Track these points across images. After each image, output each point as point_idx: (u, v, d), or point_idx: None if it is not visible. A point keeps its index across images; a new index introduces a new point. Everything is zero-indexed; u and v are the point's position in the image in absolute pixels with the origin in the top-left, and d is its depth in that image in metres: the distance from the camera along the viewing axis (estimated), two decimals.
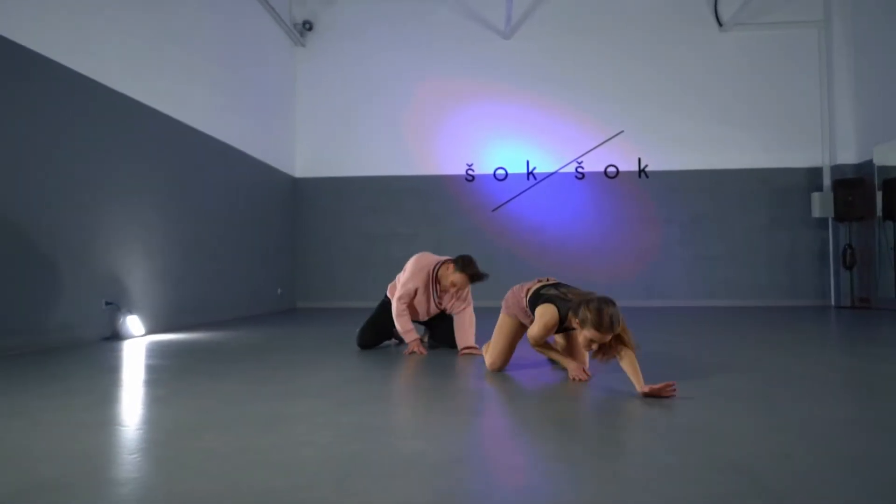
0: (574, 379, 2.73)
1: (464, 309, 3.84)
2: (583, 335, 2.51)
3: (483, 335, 3.76)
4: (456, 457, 1.65)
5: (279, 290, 8.13)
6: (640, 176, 8.58)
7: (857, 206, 7.69)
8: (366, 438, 1.84)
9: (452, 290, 3.70)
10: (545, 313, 2.72)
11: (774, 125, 8.44)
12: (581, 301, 2.55)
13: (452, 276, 3.66)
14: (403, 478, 1.49)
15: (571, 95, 8.66)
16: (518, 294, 3.04)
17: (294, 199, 8.82)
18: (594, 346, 2.50)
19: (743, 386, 2.60)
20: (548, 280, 2.99)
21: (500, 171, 8.73)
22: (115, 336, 4.65)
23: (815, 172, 8.36)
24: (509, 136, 8.72)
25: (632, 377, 2.43)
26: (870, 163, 7.71)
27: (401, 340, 4.16)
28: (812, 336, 4.72)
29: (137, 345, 4.30)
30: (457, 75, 8.78)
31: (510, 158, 8.72)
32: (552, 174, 8.68)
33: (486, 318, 4.06)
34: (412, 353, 3.70)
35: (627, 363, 2.47)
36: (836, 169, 8.23)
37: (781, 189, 8.39)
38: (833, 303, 8.18)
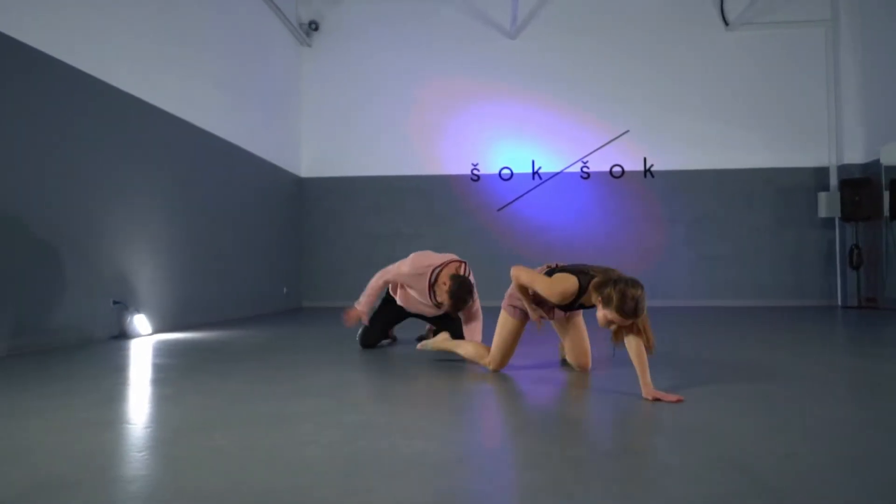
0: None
1: (471, 306, 3.86)
2: (603, 313, 2.43)
3: (490, 333, 3.77)
4: (458, 456, 1.67)
5: (285, 290, 8.17)
6: (645, 176, 8.57)
7: (864, 206, 7.66)
8: (369, 437, 1.85)
9: (447, 302, 3.67)
10: (565, 280, 2.59)
11: (781, 125, 8.41)
12: (608, 280, 2.44)
13: (444, 295, 3.60)
14: (406, 477, 1.51)
15: (577, 95, 8.65)
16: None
17: (300, 198, 8.86)
18: (612, 328, 2.45)
19: (745, 386, 2.60)
20: (556, 265, 2.87)
21: (506, 171, 8.74)
22: (123, 335, 4.69)
23: (822, 172, 8.33)
24: (515, 136, 8.73)
25: (640, 377, 2.41)
26: (877, 162, 7.67)
27: (394, 339, 4.22)
28: (816, 336, 4.71)
29: (145, 344, 4.34)
30: (462, 75, 8.80)
31: (515, 158, 8.72)
32: (557, 174, 8.68)
33: (492, 318, 4.07)
34: (348, 319, 3.93)
35: (637, 361, 2.43)
36: (842, 168, 8.20)
37: (787, 189, 8.37)
38: (840, 303, 8.15)
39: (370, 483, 1.46)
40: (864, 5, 8.10)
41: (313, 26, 8.87)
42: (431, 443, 1.81)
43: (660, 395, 2.31)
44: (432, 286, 3.74)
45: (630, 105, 8.58)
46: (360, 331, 4.11)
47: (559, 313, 2.99)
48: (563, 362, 3.28)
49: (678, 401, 2.27)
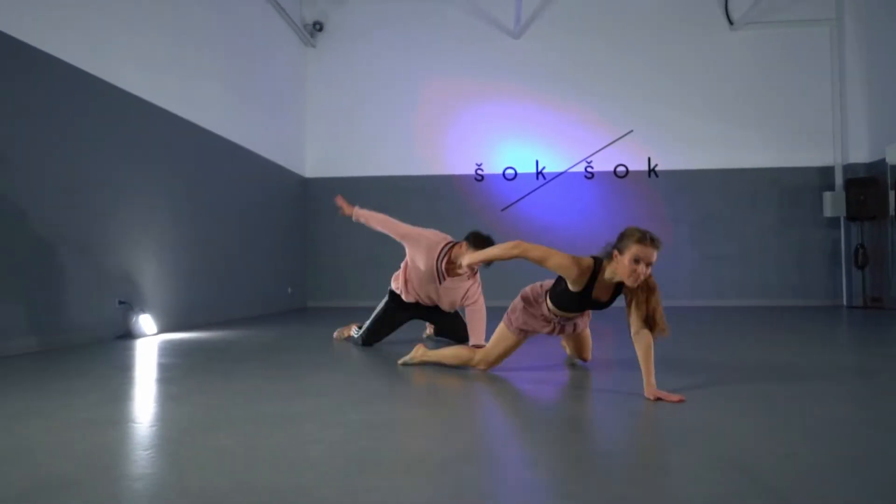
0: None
1: (475, 302, 3.89)
2: (627, 259, 2.42)
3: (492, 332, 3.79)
4: (461, 454, 1.68)
5: (289, 290, 8.20)
6: (649, 175, 8.57)
7: (869, 206, 7.63)
8: (373, 436, 1.87)
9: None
10: (581, 258, 2.60)
11: (785, 124, 8.39)
12: (618, 236, 2.51)
13: (461, 250, 3.78)
14: (410, 475, 1.52)
15: (581, 95, 8.65)
16: (533, 294, 2.89)
17: (304, 198, 8.88)
18: (640, 269, 2.41)
19: (746, 386, 2.61)
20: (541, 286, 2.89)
21: (510, 171, 8.75)
22: (128, 335, 4.72)
23: (827, 171, 8.30)
24: (518, 136, 8.73)
25: (644, 376, 2.42)
26: (882, 162, 7.65)
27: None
28: (820, 336, 4.70)
29: (150, 343, 4.37)
30: (466, 75, 8.81)
31: (519, 158, 8.73)
32: (561, 174, 8.69)
33: (495, 320, 4.08)
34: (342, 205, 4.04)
35: (644, 359, 2.43)
36: (848, 168, 8.18)
37: (792, 188, 8.35)
38: (845, 303, 8.12)
39: (372, 482, 1.47)
40: (868, 4, 8.08)
41: (318, 27, 8.89)
42: (433, 441, 1.82)
43: (662, 394, 2.32)
44: (447, 262, 3.80)
45: (634, 105, 8.57)
46: (362, 332, 4.14)
47: (569, 327, 2.92)
48: (569, 361, 3.30)
49: (679, 401, 2.28)
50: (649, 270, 2.46)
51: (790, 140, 8.38)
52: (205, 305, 5.98)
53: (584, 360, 3.15)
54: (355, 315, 4.31)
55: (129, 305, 4.77)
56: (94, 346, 4.18)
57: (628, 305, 2.54)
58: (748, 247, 8.38)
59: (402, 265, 4.06)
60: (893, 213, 7.23)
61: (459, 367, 3.10)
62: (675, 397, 2.29)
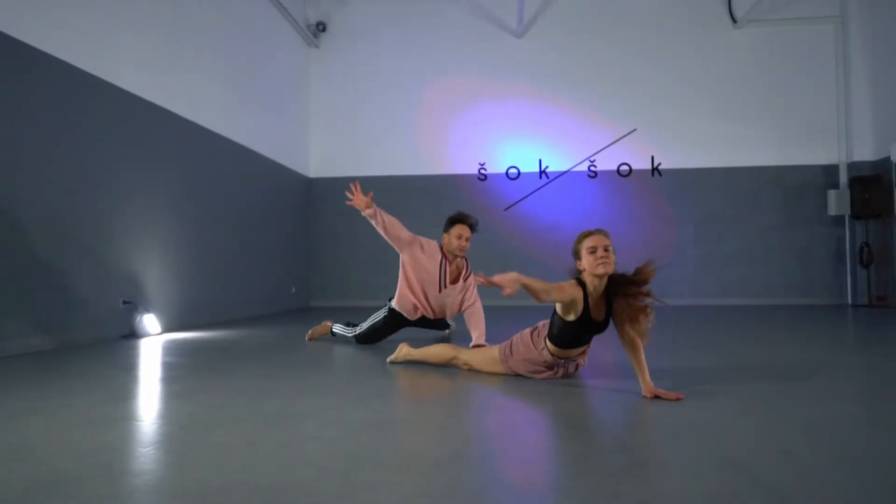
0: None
1: (473, 304, 3.91)
2: (585, 256, 2.55)
3: (490, 331, 3.80)
4: (457, 452, 1.69)
5: (293, 289, 8.22)
6: (653, 174, 8.55)
7: (874, 204, 7.60)
8: (370, 434, 1.88)
9: (463, 246, 3.89)
10: (566, 284, 2.60)
11: (790, 122, 8.36)
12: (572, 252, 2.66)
13: (449, 235, 3.90)
14: (406, 472, 1.53)
15: (584, 94, 8.65)
16: (528, 346, 2.80)
17: (308, 198, 8.91)
18: (599, 253, 2.51)
19: (746, 384, 2.60)
20: (545, 325, 2.84)
21: (513, 170, 8.75)
22: (133, 334, 4.75)
23: (832, 170, 8.27)
24: (522, 135, 8.73)
25: (639, 376, 2.42)
26: (887, 160, 7.61)
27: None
28: (823, 335, 4.69)
29: (154, 343, 4.39)
30: (469, 74, 8.81)
31: (522, 157, 8.73)
32: (565, 173, 8.68)
33: (493, 319, 4.08)
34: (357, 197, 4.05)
35: (636, 360, 2.45)
36: (852, 166, 8.14)
37: (797, 186, 8.32)
38: (849, 301, 8.09)
39: (370, 479, 1.48)
40: (872, 1, 8.03)
41: (321, 27, 8.91)
42: (431, 439, 1.83)
43: (660, 392, 2.32)
44: (445, 258, 3.94)
45: (637, 103, 8.56)
46: (357, 333, 4.19)
47: (571, 367, 2.87)
48: None
49: (678, 399, 2.28)
50: (610, 253, 2.54)
51: (794, 138, 8.35)
52: (208, 305, 6.00)
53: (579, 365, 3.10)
54: (359, 315, 4.32)
55: (133, 305, 4.79)
56: (98, 345, 4.20)
57: (618, 321, 2.54)
58: (752, 245, 8.36)
59: (402, 283, 4.02)
60: None
61: (443, 366, 3.14)
62: (673, 395, 2.29)
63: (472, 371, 3.01)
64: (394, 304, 4.09)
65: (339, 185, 8.97)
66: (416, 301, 4.02)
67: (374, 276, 8.67)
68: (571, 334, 2.60)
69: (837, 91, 8.28)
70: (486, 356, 2.98)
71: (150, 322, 4.87)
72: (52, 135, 4.08)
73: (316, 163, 9.06)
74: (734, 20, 8.43)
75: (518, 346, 2.82)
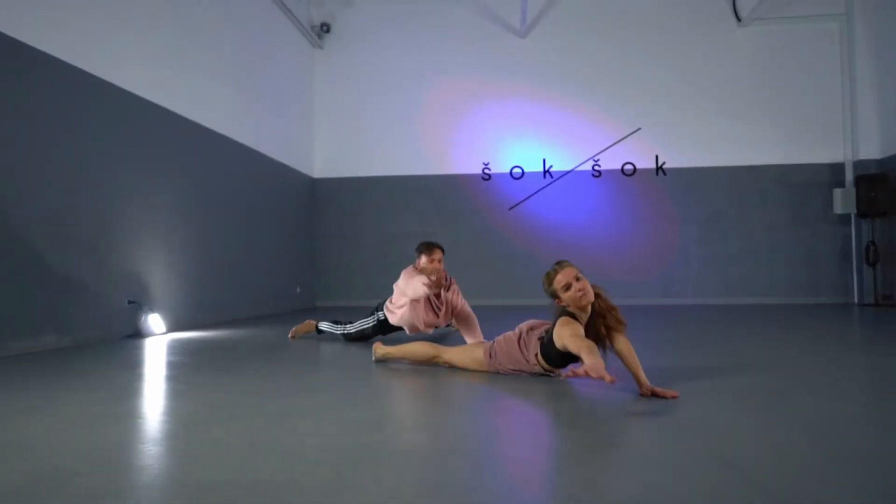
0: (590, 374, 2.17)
1: (462, 307, 3.93)
2: (564, 294, 2.53)
3: (485, 328, 3.81)
4: (451, 449, 1.71)
5: (298, 289, 8.26)
6: (657, 173, 8.54)
7: (880, 202, 7.56)
8: (366, 432, 1.90)
9: (437, 267, 3.83)
10: (568, 323, 2.53)
11: (795, 121, 8.33)
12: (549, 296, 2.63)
13: (422, 261, 3.86)
14: (398, 468, 1.55)
15: (588, 93, 8.64)
16: (515, 352, 2.83)
17: (313, 199, 8.95)
18: (576, 286, 2.49)
19: (748, 383, 2.61)
20: (530, 328, 2.86)
21: (517, 170, 8.75)
22: (138, 334, 4.79)
23: (837, 168, 8.23)
24: (525, 135, 8.74)
25: (634, 375, 2.43)
26: (893, 158, 7.57)
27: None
28: (829, 334, 4.67)
29: (158, 342, 4.43)
30: (472, 74, 8.83)
31: (526, 157, 8.74)
32: (569, 172, 8.68)
33: (492, 317, 4.09)
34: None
35: (629, 357, 2.46)
36: (858, 164, 8.10)
37: (802, 185, 8.28)
38: (856, 300, 8.05)
39: (361, 474, 1.50)
40: None
41: (325, 28, 8.95)
42: (425, 436, 1.85)
43: (657, 390, 2.32)
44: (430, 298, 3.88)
45: (641, 102, 8.55)
46: (348, 333, 4.26)
47: (553, 375, 2.88)
48: None
49: (674, 397, 2.28)
50: (582, 280, 2.52)
51: (799, 136, 8.31)
52: (213, 305, 6.05)
53: None
54: (364, 314, 4.34)
55: (138, 305, 4.84)
56: (103, 344, 4.24)
57: (599, 335, 2.55)
58: (757, 244, 8.33)
59: (411, 313, 4.00)
60: None
61: (424, 364, 3.17)
62: (670, 393, 2.30)
63: (451, 367, 3.06)
64: (396, 321, 4.06)
65: (343, 186, 9.04)
66: (425, 323, 4.01)
67: (378, 275, 8.69)
68: (568, 359, 2.62)
69: (843, 89, 8.24)
70: (470, 357, 3.00)
71: (154, 321, 4.92)
72: (54, 135, 4.13)
73: (320, 163, 9.10)
74: (738, 19, 8.41)
75: (503, 350, 2.85)
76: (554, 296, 2.60)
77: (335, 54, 9.08)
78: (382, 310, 4.14)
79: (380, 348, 3.32)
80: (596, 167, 8.63)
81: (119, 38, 4.78)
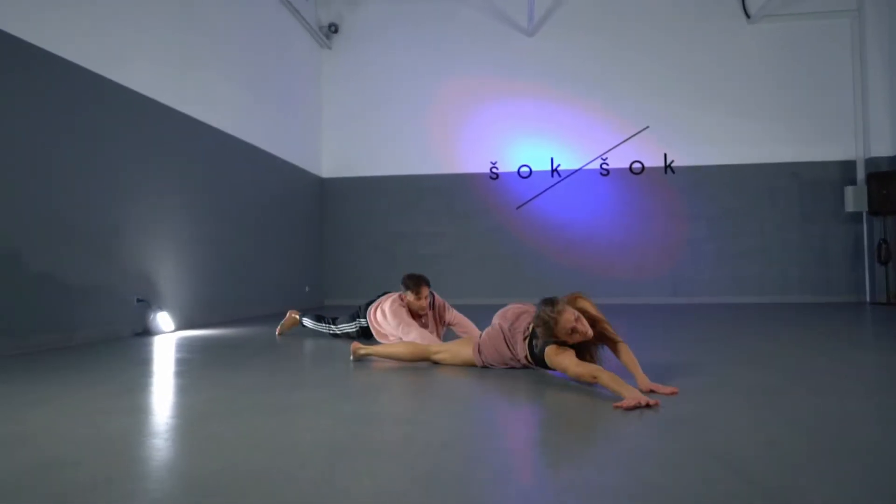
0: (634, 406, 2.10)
1: (453, 319, 3.94)
2: (566, 335, 2.48)
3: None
4: (443, 442, 1.72)
5: (307, 288, 8.31)
6: (666, 172, 8.50)
7: (892, 200, 7.47)
8: (361, 425, 1.92)
9: (423, 305, 3.79)
10: (561, 352, 2.52)
11: (805, 118, 8.25)
12: (536, 324, 2.58)
13: (410, 297, 3.78)
14: (391, 461, 1.57)
15: (596, 91, 8.62)
16: (502, 347, 2.87)
17: (321, 198, 9.00)
18: (579, 332, 2.46)
19: (750, 380, 2.60)
20: (512, 322, 2.87)
21: (525, 169, 8.75)
22: (146, 332, 4.85)
23: (849, 165, 8.15)
24: (533, 134, 8.73)
25: (633, 372, 2.44)
26: None
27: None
28: (837, 332, 4.63)
29: (166, 340, 4.48)
30: (480, 74, 8.83)
31: (534, 156, 8.73)
32: (577, 171, 8.66)
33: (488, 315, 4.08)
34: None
35: (625, 356, 2.48)
36: (870, 162, 8.01)
37: (813, 183, 8.21)
38: (868, 299, 7.96)
39: (353, 466, 1.52)
40: None
41: (333, 28, 9.00)
42: (420, 430, 1.87)
43: (655, 386, 2.32)
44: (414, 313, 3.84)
45: (650, 100, 8.51)
46: (335, 333, 4.34)
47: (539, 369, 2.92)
48: None
49: (673, 393, 2.28)
50: (582, 321, 2.48)
51: (810, 134, 8.24)
52: (222, 303, 6.10)
53: None
54: (346, 313, 4.39)
55: (147, 303, 4.90)
56: (111, 342, 4.30)
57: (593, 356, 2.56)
58: (768, 243, 8.27)
59: (376, 314, 4.02)
60: None
61: (414, 361, 3.16)
62: (668, 389, 2.30)
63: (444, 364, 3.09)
64: (382, 339, 4.02)
65: (351, 185, 9.08)
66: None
67: (386, 274, 8.73)
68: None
69: (854, 86, 8.16)
70: (460, 355, 3.04)
71: (163, 320, 4.97)
72: (64, 136, 4.19)
73: (329, 163, 9.14)
74: (748, 16, 8.35)
75: (490, 346, 2.90)
76: (558, 338, 2.50)
77: (343, 54, 9.13)
78: (365, 317, 4.12)
79: (360, 349, 3.26)
80: (604, 166, 8.60)
81: (128, 39, 4.84)
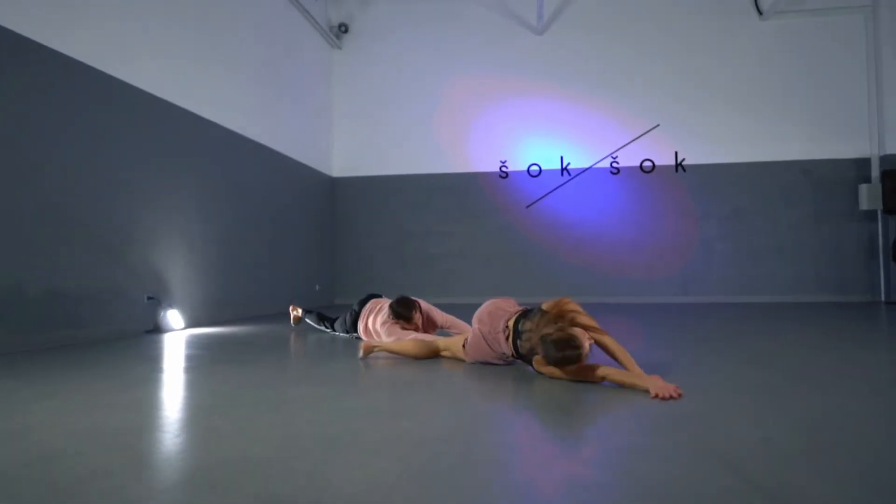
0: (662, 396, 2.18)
1: (444, 322, 3.95)
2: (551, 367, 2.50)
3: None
4: (439, 436, 1.73)
5: (317, 287, 8.36)
6: (676, 170, 8.44)
7: None
8: (359, 419, 1.94)
9: (417, 326, 3.79)
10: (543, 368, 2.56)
11: (819, 115, 8.16)
12: (536, 345, 2.55)
13: (404, 323, 3.77)
14: (386, 453, 1.58)
15: (606, 89, 8.58)
16: (483, 346, 2.92)
17: (332, 198, 9.05)
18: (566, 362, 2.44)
19: (751, 379, 2.58)
20: (491, 324, 2.87)
21: (534, 168, 8.73)
22: (157, 329, 4.91)
23: (863, 163, 8.04)
24: (543, 132, 8.71)
25: (626, 365, 2.42)
26: None
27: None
28: (848, 332, 4.57)
29: (176, 337, 4.53)
30: (490, 72, 8.83)
31: (544, 154, 8.71)
32: (586, 170, 8.63)
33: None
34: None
35: (621, 357, 2.44)
36: (885, 159, 7.90)
37: (826, 181, 8.11)
38: (883, 298, 7.86)
39: (347, 458, 1.53)
40: None
41: (343, 28, 9.04)
42: (417, 424, 1.88)
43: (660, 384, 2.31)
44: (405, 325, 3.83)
45: (660, 98, 8.46)
46: (333, 330, 4.44)
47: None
48: None
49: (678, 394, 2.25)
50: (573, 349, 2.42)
51: (823, 131, 8.14)
52: (233, 302, 6.16)
53: None
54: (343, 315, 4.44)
55: (157, 301, 4.95)
56: (121, 339, 4.36)
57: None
58: (780, 242, 8.18)
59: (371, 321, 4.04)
60: None
61: (423, 357, 3.20)
62: (671, 387, 2.28)
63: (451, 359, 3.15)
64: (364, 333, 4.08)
65: (362, 185, 9.12)
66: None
67: (397, 274, 8.77)
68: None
69: (868, 82, 8.05)
70: (456, 349, 3.11)
71: (173, 317, 5.03)
72: (73, 135, 4.25)
73: (339, 162, 9.19)
74: (760, 12, 8.27)
75: (475, 348, 2.95)
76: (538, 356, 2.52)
77: (353, 54, 9.17)
78: (356, 331, 4.16)
79: (371, 347, 3.28)
80: (614, 164, 8.56)
81: (138, 40, 4.89)
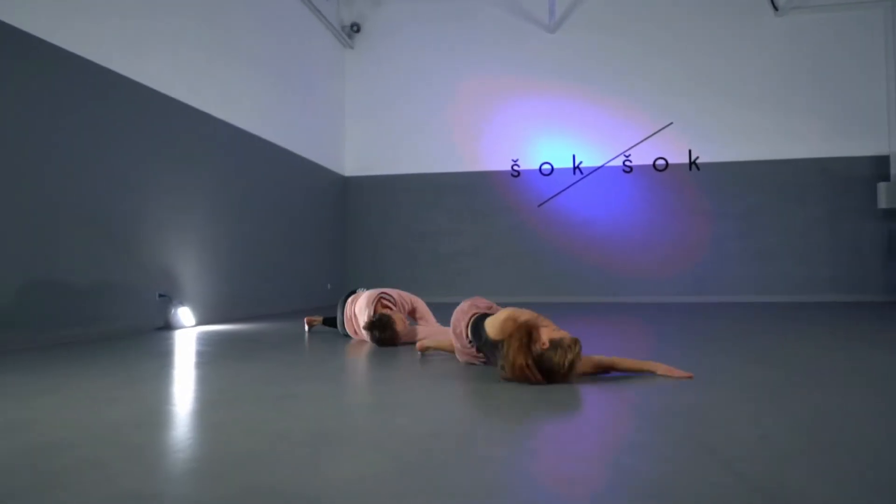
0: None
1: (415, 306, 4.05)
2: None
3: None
4: (435, 432, 1.73)
5: (329, 286, 8.39)
6: (690, 168, 8.36)
7: None
8: (357, 415, 1.94)
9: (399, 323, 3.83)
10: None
11: (836, 112, 8.04)
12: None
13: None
14: (378, 448, 1.58)
15: (618, 87, 8.53)
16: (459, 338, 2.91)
17: (344, 196, 9.08)
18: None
19: (753, 377, 2.54)
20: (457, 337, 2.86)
21: (546, 166, 8.70)
22: (167, 326, 4.95)
23: (882, 161, 7.91)
24: (555, 131, 8.68)
25: (639, 369, 2.42)
26: None
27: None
28: (861, 332, 4.49)
29: (186, 334, 4.57)
30: (501, 71, 8.81)
31: (556, 153, 8.67)
32: (599, 168, 8.58)
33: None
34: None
35: (624, 365, 2.47)
36: None
37: (844, 179, 7.99)
38: None
39: (339, 453, 1.53)
40: None
41: (355, 28, 9.07)
42: (415, 420, 1.87)
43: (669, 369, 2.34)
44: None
45: (673, 96, 8.39)
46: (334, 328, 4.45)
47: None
48: None
49: (688, 377, 2.27)
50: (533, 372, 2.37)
51: (841, 129, 8.02)
52: (244, 300, 6.20)
53: None
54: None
55: (169, 298, 5.00)
56: (132, 336, 4.41)
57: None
58: (797, 241, 8.07)
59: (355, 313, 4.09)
60: None
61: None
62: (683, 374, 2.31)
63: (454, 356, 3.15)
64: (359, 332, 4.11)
65: (374, 184, 9.14)
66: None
67: (409, 272, 8.78)
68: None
69: (888, 78, 7.91)
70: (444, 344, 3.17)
71: (184, 315, 5.07)
72: (86, 134, 4.30)
73: (351, 161, 9.22)
74: (776, 8, 8.16)
75: (461, 355, 2.95)
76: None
77: (365, 53, 9.20)
78: (345, 333, 4.23)
79: (423, 347, 3.32)
80: (627, 163, 8.50)
81: (156, 45, 4.95)
